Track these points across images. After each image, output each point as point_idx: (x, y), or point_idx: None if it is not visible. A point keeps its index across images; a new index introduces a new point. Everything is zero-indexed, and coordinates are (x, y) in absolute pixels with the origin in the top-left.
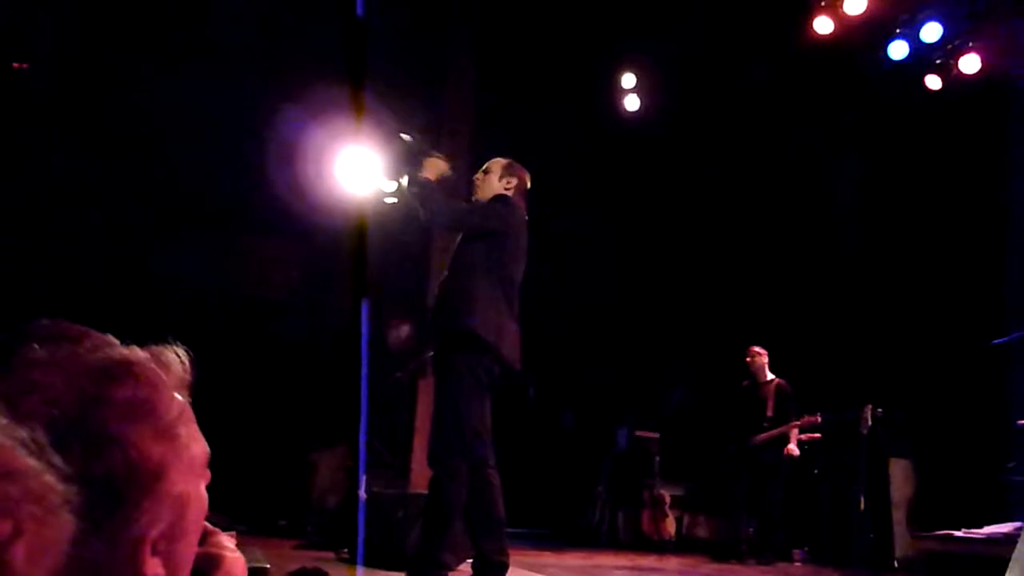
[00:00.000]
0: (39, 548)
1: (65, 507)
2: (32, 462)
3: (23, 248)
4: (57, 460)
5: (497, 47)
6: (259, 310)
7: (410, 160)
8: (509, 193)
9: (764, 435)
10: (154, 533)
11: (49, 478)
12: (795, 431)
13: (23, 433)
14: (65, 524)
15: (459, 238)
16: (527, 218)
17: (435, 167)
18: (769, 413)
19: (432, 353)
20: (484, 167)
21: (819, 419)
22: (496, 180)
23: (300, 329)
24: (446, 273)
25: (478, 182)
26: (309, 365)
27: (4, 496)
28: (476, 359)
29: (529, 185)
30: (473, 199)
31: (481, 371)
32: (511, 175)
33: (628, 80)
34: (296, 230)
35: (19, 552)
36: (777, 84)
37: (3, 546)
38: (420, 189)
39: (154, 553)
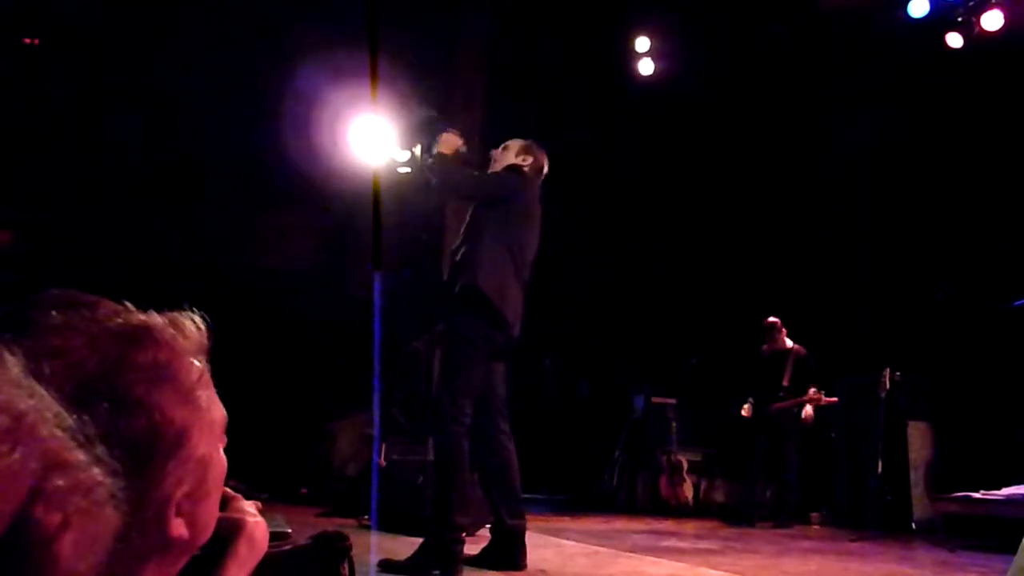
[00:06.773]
0: (85, 541)
1: (111, 501)
2: (81, 455)
3: (36, 223)
4: (103, 453)
5: (510, 10)
6: (275, 281)
7: (426, 132)
8: (524, 168)
9: (779, 404)
10: (179, 494)
11: (96, 471)
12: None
13: (71, 422)
14: (111, 518)
15: (472, 206)
16: (540, 193)
17: (450, 142)
18: (785, 383)
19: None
20: (503, 144)
21: (822, 399)
22: (513, 155)
23: (317, 300)
24: (459, 240)
25: (495, 156)
26: (327, 335)
27: (54, 489)
28: (476, 324)
29: (546, 168)
30: (488, 171)
31: (480, 339)
32: (528, 153)
33: (642, 44)
34: (311, 201)
35: (66, 544)
36: (795, 44)
37: (51, 539)
38: (434, 160)
39: (178, 514)
